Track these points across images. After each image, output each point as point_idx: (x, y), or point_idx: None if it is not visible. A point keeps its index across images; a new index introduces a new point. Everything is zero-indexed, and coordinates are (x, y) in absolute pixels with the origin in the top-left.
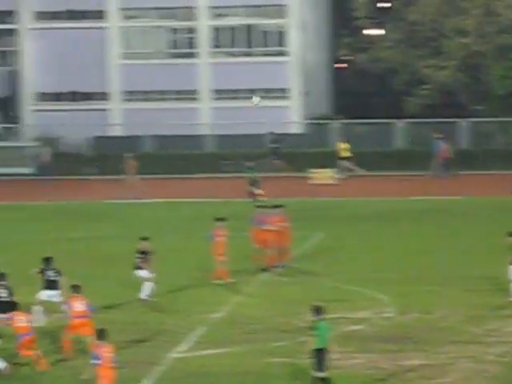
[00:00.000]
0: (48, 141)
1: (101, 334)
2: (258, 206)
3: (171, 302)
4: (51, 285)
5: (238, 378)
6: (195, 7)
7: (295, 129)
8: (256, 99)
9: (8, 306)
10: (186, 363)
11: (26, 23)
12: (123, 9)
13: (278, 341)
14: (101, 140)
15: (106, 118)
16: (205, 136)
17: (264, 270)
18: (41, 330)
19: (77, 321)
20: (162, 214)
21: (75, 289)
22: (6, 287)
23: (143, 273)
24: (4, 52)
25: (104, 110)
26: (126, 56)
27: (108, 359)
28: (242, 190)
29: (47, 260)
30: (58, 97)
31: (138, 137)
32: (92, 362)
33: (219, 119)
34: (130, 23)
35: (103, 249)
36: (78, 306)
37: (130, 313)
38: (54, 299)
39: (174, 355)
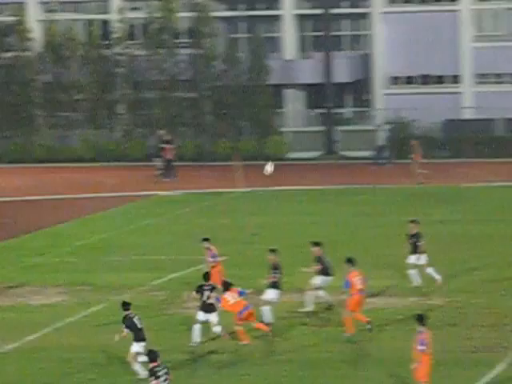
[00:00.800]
0: (398, 125)
1: (421, 319)
2: None
3: None
4: (327, 270)
5: None
6: None
7: None
8: (268, 167)
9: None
10: None
11: (378, 7)
12: None
13: None
14: (452, 123)
15: (457, 101)
16: None
17: None
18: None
19: (356, 296)
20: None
21: (351, 262)
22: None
23: (414, 258)
24: (357, 36)
25: (455, 93)
26: (478, 39)
27: (429, 345)
28: None
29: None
30: (408, 80)
31: (489, 120)
32: (420, 348)
33: None
34: (482, 6)
35: (456, 231)
36: (358, 281)
37: (485, 296)
38: (326, 284)
39: None
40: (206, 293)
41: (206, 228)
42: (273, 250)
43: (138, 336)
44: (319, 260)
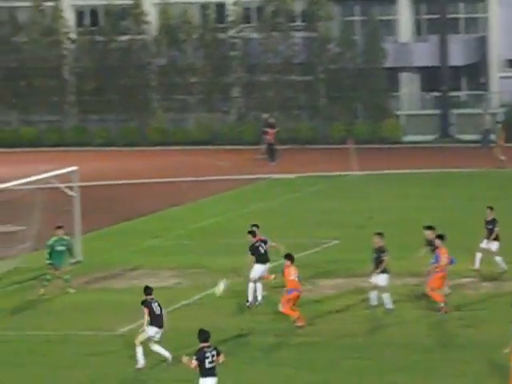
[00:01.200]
0: None
1: None
2: None
3: None
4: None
5: None
6: None
7: None
8: (221, 286)
9: None
10: None
11: None
12: None
13: None
14: None
15: None
16: None
17: None
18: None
19: (440, 274)
20: None
21: (442, 239)
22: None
23: (486, 242)
24: (473, 19)
25: None
26: None
27: None
28: None
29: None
30: None
31: None
32: None
33: None
34: None
35: None
36: (444, 258)
37: None
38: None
39: None
40: (261, 249)
41: (319, 211)
42: (379, 234)
43: (155, 321)
44: (430, 243)
